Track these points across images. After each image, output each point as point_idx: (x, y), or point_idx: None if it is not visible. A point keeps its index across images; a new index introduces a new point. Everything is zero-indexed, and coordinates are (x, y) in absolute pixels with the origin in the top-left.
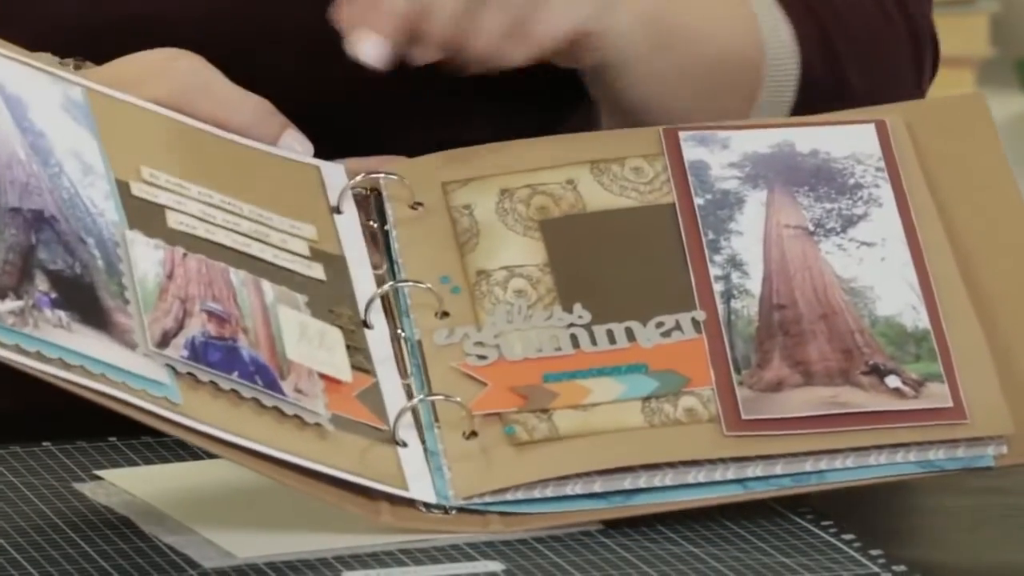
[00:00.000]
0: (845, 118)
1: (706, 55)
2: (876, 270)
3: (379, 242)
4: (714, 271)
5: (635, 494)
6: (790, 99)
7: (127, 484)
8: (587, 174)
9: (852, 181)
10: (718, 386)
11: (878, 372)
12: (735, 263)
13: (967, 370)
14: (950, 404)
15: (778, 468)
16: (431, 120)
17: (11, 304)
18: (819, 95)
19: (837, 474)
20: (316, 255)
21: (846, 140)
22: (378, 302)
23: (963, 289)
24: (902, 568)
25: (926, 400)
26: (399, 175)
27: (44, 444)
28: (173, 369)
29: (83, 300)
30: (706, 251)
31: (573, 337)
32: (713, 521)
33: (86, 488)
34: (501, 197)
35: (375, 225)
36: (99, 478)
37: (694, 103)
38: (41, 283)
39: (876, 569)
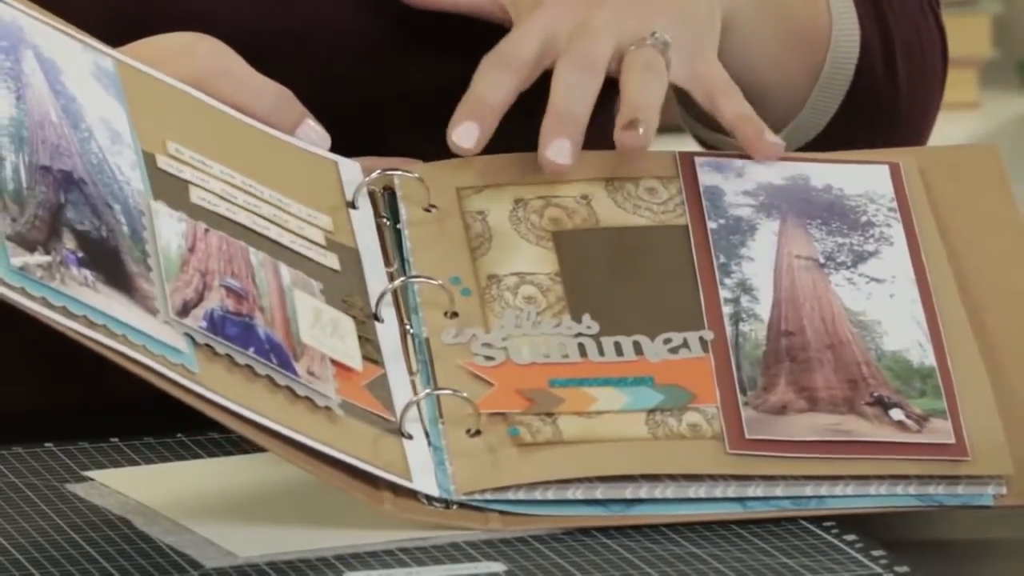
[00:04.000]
0: (859, 158)
1: (787, 17)
2: (884, 306)
3: (389, 239)
4: (724, 293)
5: (635, 504)
6: (848, 81)
7: (118, 485)
8: (601, 190)
9: (864, 219)
10: (723, 404)
11: (883, 404)
12: (745, 287)
13: (970, 409)
14: (952, 441)
15: (778, 490)
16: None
17: (40, 258)
18: (872, 82)
19: (836, 500)
20: (331, 245)
21: (860, 179)
22: (389, 296)
23: (969, 330)
24: (904, 569)
25: (929, 435)
26: (415, 174)
27: (46, 445)
28: (191, 339)
29: (108, 262)
30: (717, 273)
31: (581, 346)
32: (715, 522)
33: (79, 489)
34: (515, 206)
35: (387, 222)
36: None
37: (771, 68)
38: (69, 241)
39: (878, 570)
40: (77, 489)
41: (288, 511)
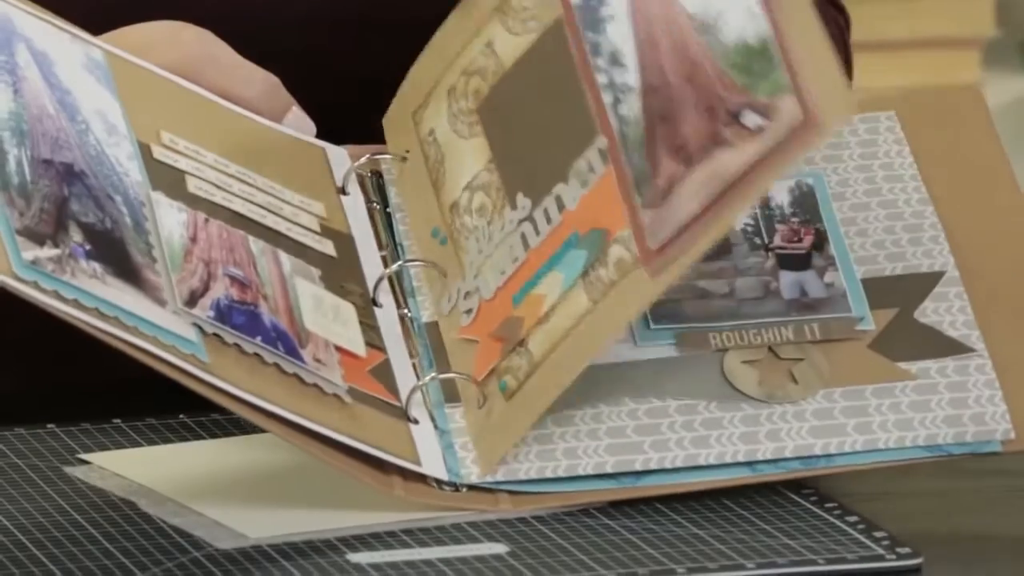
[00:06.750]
0: None
1: None
2: None
3: (380, 223)
4: (600, 79)
5: (645, 475)
6: None
7: (118, 467)
8: (497, 25)
9: None
10: (630, 221)
11: (736, 117)
12: (614, 60)
13: (811, 74)
14: (800, 117)
15: (788, 451)
16: None
17: (49, 251)
18: None
19: (846, 458)
20: (326, 231)
21: None
22: (386, 282)
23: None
24: (906, 550)
25: (780, 125)
26: (403, 152)
27: (48, 426)
28: (200, 329)
29: (115, 254)
30: (590, 58)
31: (523, 237)
32: (717, 503)
33: (80, 471)
34: (449, 101)
35: (377, 206)
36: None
37: None
38: (75, 234)
39: (880, 551)
40: (78, 472)
41: (290, 491)
